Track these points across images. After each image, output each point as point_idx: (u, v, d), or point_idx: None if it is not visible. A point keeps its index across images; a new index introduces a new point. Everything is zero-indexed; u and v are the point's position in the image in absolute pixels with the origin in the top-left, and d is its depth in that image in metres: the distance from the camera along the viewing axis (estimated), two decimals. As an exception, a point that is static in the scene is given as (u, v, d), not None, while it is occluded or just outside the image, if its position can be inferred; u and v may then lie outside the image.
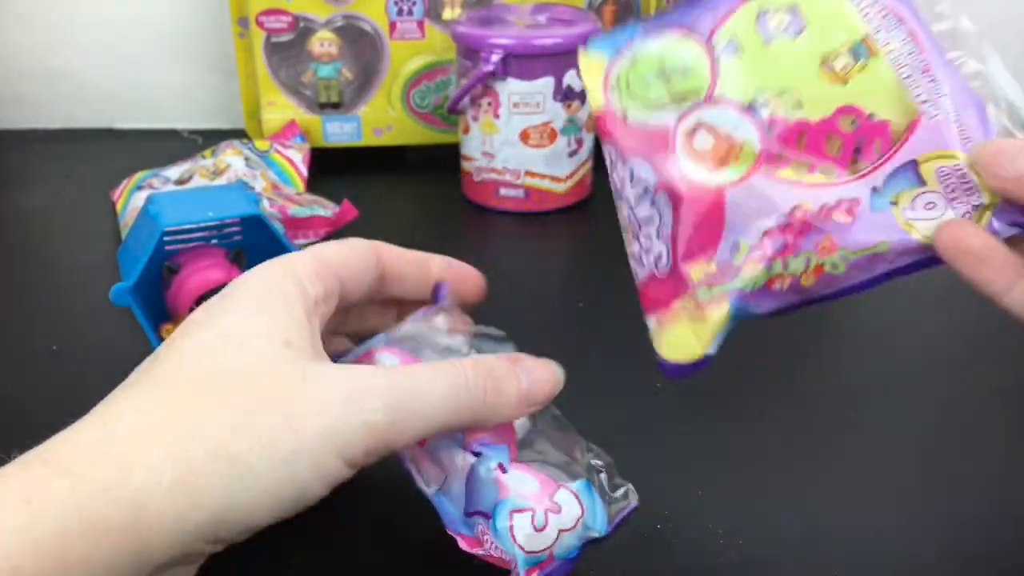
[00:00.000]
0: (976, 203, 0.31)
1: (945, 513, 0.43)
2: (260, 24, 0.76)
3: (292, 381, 0.29)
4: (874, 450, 0.47)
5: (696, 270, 0.34)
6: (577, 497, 0.34)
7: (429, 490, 0.34)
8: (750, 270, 0.33)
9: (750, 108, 0.32)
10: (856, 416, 0.49)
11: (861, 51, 0.31)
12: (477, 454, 0.34)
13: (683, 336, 0.36)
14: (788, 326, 0.61)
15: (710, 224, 0.33)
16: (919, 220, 0.31)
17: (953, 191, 0.31)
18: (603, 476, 0.37)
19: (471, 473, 0.33)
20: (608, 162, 0.36)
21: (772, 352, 0.55)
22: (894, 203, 0.32)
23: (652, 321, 0.37)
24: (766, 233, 0.33)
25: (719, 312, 0.34)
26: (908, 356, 0.55)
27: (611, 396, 0.50)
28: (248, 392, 0.29)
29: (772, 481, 0.45)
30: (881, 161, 0.31)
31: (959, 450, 0.47)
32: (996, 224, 0.31)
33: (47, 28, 0.87)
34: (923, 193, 0.31)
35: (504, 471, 0.33)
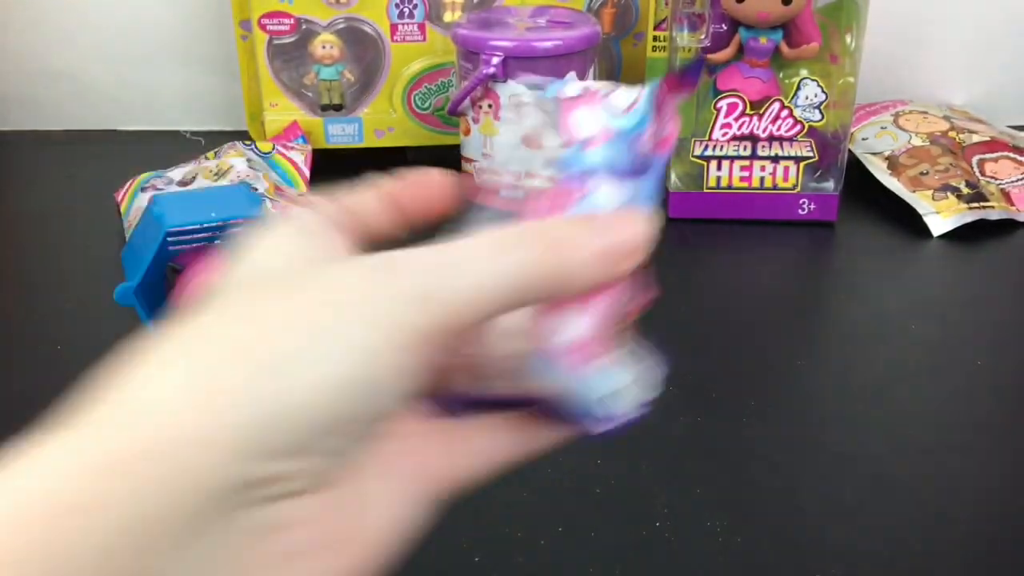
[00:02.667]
0: None
1: (945, 513, 0.43)
2: (262, 26, 0.77)
3: (314, 269, 0.26)
4: (873, 450, 0.47)
5: None
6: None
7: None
8: None
9: None
10: (855, 416, 0.49)
11: None
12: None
13: None
14: (788, 327, 0.62)
15: None
16: None
17: None
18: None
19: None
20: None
21: (772, 352, 0.55)
22: None
23: None
24: None
25: None
26: (907, 356, 0.55)
27: (610, 395, 0.50)
28: (266, 293, 0.25)
29: (771, 481, 0.45)
30: None
31: (959, 450, 0.47)
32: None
33: (51, 30, 0.87)
34: None
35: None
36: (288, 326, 0.24)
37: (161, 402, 0.23)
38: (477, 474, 0.29)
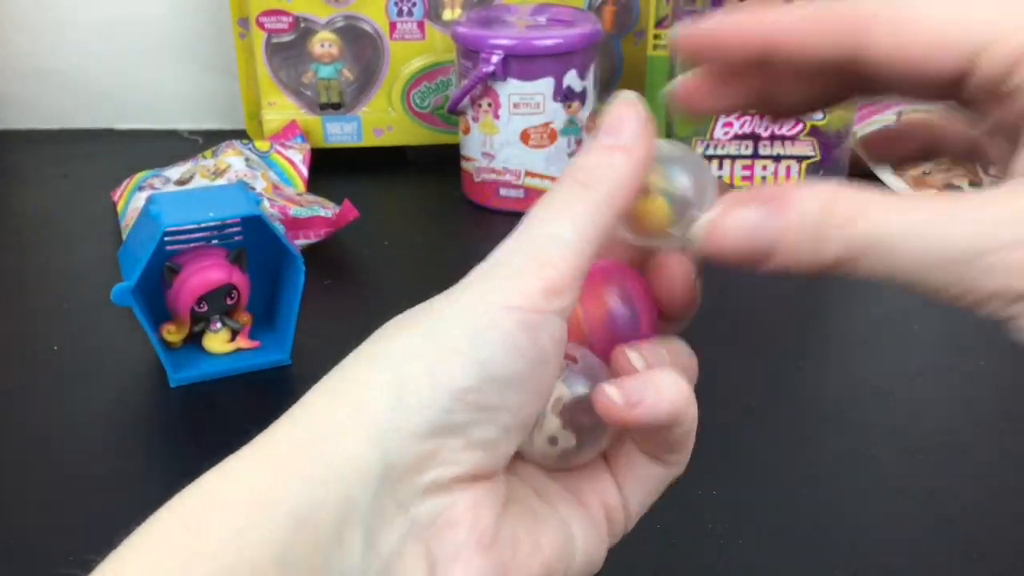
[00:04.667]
0: None
1: (946, 514, 0.43)
2: (261, 25, 0.76)
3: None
4: (874, 451, 0.47)
5: None
6: None
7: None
8: None
9: None
10: (856, 417, 0.49)
11: None
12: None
13: None
14: (788, 327, 0.61)
15: None
16: None
17: None
18: None
19: None
20: None
21: (772, 352, 0.55)
22: None
23: None
24: None
25: None
26: (908, 356, 0.55)
27: (611, 396, 0.50)
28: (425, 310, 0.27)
29: (771, 481, 0.45)
30: None
31: (961, 451, 0.47)
32: None
33: (48, 29, 0.87)
34: None
35: None
36: (427, 320, 0.26)
37: (312, 404, 0.25)
38: (645, 503, 0.30)
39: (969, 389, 0.52)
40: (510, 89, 0.68)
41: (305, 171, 0.74)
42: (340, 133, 0.80)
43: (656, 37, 0.78)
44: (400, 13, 0.76)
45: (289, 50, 0.78)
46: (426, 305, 0.26)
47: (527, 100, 0.69)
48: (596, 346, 0.29)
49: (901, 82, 0.25)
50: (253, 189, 0.67)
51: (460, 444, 0.25)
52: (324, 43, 0.77)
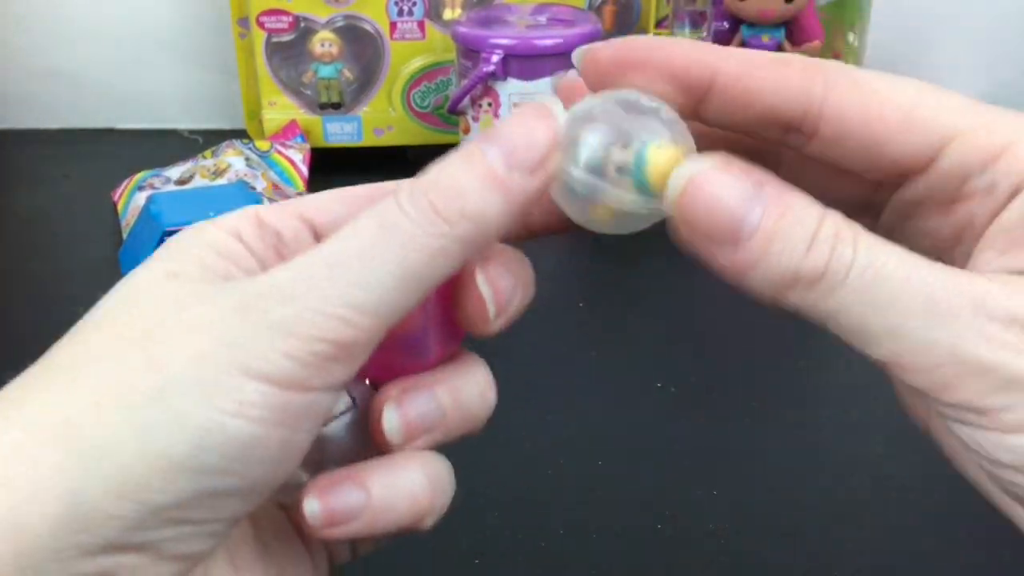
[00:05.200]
0: None
1: (947, 515, 0.43)
2: (261, 24, 0.76)
3: (163, 310, 0.21)
4: (875, 452, 0.47)
5: None
6: None
7: None
8: None
9: None
10: (856, 416, 0.49)
11: None
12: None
13: None
14: (788, 327, 0.61)
15: None
16: None
17: None
18: None
19: None
20: None
21: (772, 352, 0.55)
22: None
23: None
24: None
25: None
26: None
27: (611, 396, 0.50)
28: (99, 342, 0.22)
29: (772, 481, 0.45)
30: None
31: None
32: None
33: (47, 28, 0.87)
34: None
35: None
36: (118, 396, 0.20)
37: None
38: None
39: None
40: (510, 89, 0.68)
41: (305, 171, 0.74)
42: (340, 133, 0.80)
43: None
44: (400, 13, 0.76)
45: (289, 50, 0.77)
46: (143, 353, 0.20)
47: (528, 100, 0.69)
48: (371, 369, 0.22)
49: (846, 152, 0.22)
50: (253, 189, 0.67)
51: (148, 560, 0.20)
52: (324, 43, 0.77)
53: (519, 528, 0.42)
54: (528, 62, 0.67)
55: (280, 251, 0.24)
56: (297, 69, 0.78)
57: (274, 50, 0.77)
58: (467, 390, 0.24)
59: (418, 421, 0.23)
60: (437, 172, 0.22)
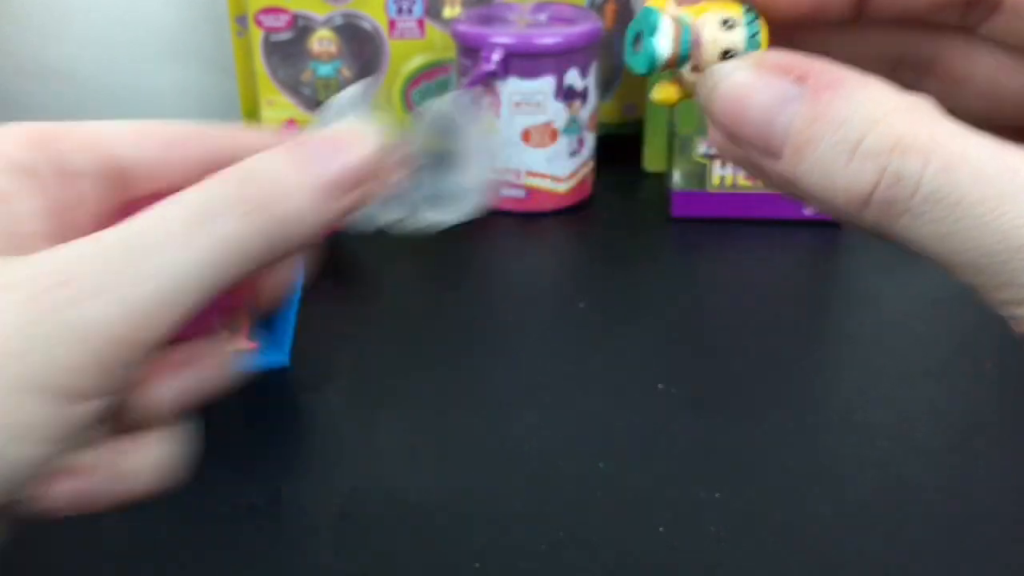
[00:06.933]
0: None
1: (949, 515, 0.43)
2: (259, 23, 0.76)
3: None
4: (876, 452, 0.47)
5: None
6: None
7: None
8: None
9: None
10: (857, 417, 0.49)
11: None
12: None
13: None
14: (792, 327, 0.61)
15: None
16: None
17: None
18: None
19: None
20: None
21: (772, 353, 0.54)
22: None
23: None
24: None
25: None
26: (909, 357, 0.55)
27: (611, 396, 0.50)
28: None
29: (772, 483, 0.44)
30: None
31: (965, 452, 0.47)
32: None
33: (43, 26, 0.86)
34: None
35: None
36: None
37: None
38: None
39: (974, 390, 0.51)
40: (511, 88, 0.68)
41: (303, 170, 0.74)
42: (339, 132, 0.79)
43: (657, 36, 0.77)
44: (399, 11, 0.76)
45: (287, 48, 0.77)
46: None
47: (528, 99, 0.68)
48: None
49: None
50: (251, 188, 0.66)
51: None
52: (323, 41, 0.77)
53: (520, 532, 0.42)
54: (529, 61, 0.67)
55: (66, 188, 0.23)
56: (295, 68, 0.78)
57: (272, 48, 0.77)
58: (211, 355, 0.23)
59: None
60: (262, 169, 0.21)
